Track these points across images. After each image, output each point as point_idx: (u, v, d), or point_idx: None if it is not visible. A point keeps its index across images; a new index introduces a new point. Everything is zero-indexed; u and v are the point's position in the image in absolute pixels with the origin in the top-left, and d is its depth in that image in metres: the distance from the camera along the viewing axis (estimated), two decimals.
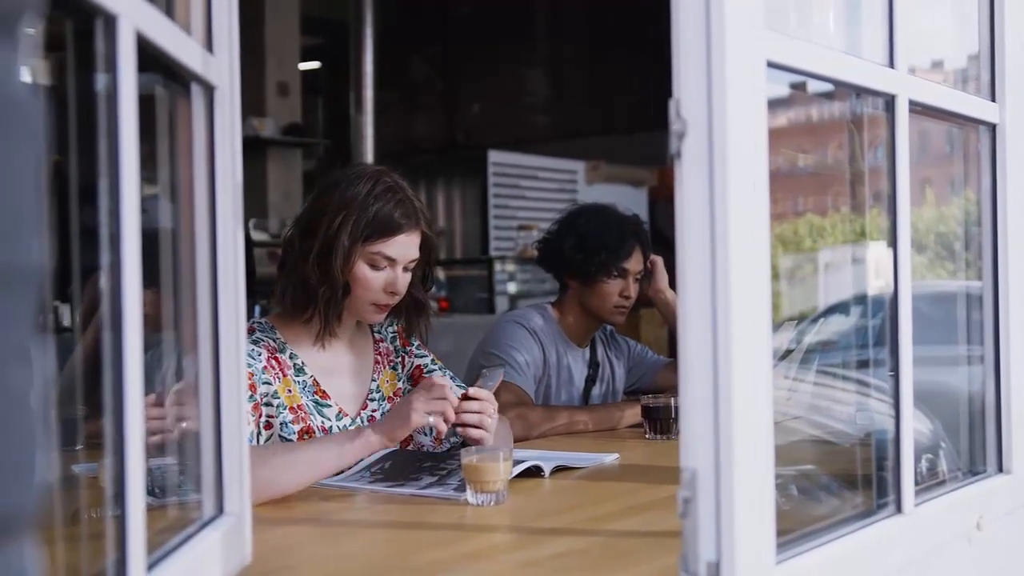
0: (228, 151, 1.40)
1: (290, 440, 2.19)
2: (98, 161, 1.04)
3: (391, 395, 2.41)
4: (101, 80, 1.04)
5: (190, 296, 1.39)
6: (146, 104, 1.11)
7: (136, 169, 1.05)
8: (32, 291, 0.60)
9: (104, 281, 1.03)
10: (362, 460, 2.13)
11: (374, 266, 2.24)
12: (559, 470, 2.21)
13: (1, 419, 0.57)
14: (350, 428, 2.27)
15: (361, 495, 2.01)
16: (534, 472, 2.14)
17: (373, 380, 2.39)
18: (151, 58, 1.14)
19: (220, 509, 1.39)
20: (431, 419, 2.07)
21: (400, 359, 2.47)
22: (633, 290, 3.06)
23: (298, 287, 2.25)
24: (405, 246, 2.26)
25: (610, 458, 2.38)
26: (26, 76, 0.61)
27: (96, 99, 1.05)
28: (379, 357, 2.43)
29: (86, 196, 1.05)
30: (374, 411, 2.36)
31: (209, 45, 1.38)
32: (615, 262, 3.02)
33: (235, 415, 1.41)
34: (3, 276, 0.58)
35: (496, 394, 2.82)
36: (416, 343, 2.51)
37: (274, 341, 2.25)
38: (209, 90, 1.38)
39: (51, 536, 1.11)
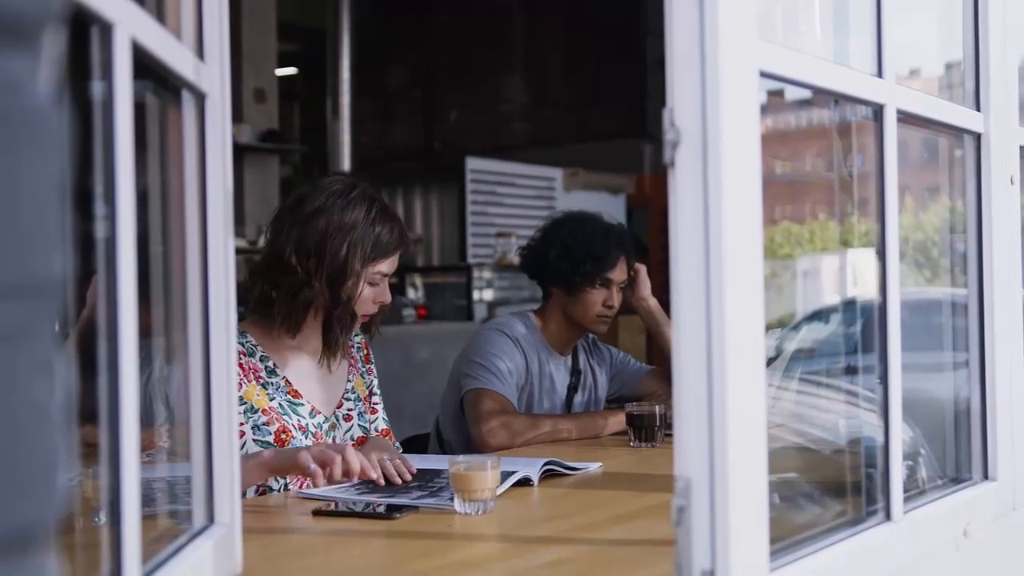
0: (219, 159, 1.40)
1: (267, 442, 2.23)
2: (92, 167, 1.04)
3: (364, 396, 2.50)
4: (96, 87, 1.03)
5: (179, 304, 1.38)
6: (136, 111, 1.10)
7: (131, 176, 1.04)
8: (54, 303, 0.59)
9: (99, 288, 1.02)
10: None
11: (372, 284, 2.34)
12: (548, 476, 2.21)
13: (25, 432, 0.56)
14: (324, 426, 2.35)
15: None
16: (522, 481, 2.14)
17: (348, 380, 2.47)
18: (142, 65, 1.14)
19: (211, 519, 1.38)
20: (313, 465, 1.94)
21: (367, 368, 2.56)
22: (616, 300, 3.06)
23: (302, 309, 2.30)
24: (396, 261, 2.38)
25: (594, 467, 2.38)
26: (48, 87, 0.60)
27: (90, 106, 1.04)
28: (352, 360, 2.51)
29: (80, 203, 1.05)
30: (350, 410, 2.44)
31: (200, 53, 1.37)
32: (600, 272, 3.02)
33: (225, 424, 1.40)
34: (26, 287, 0.57)
35: (479, 402, 2.84)
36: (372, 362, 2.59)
37: (243, 345, 2.27)
38: (200, 98, 1.37)
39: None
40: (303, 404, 2.33)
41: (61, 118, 0.61)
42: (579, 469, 2.32)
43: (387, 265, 2.35)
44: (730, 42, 1.19)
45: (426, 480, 2.16)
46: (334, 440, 2.37)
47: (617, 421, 2.86)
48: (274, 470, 2.05)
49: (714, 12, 1.18)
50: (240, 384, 2.22)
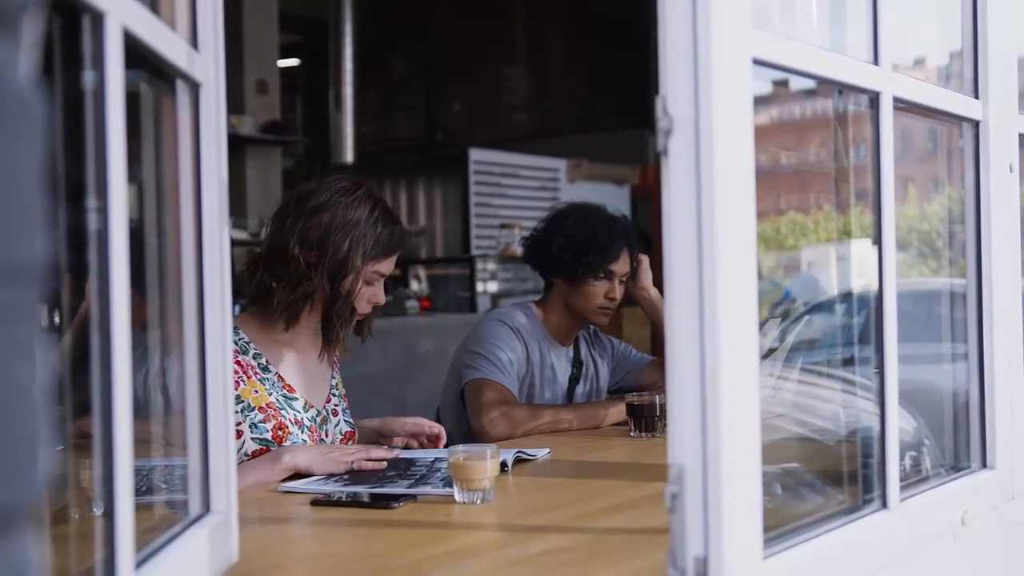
0: (214, 149, 1.40)
1: (264, 439, 2.27)
2: (84, 158, 1.04)
3: (343, 394, 2.55)
4: (88, 77, 1.03)
5: (175, 295, 1.38)
6: (129, 101, 1.10)
7: (124, 166, 1.05)
8: (35, 287, 0.60)
9: (92, 280, 1.03)
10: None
11: (368, 283, 2.37)
12: (518, 462, 2.27)
13: (6, 414, 0.57)
14: (316, 419, 2.39)
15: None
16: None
17: (333, 378, 2.52)
18: (136, 54, 1.14)
19: (207, 507, 1.39)
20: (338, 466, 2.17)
21: (338, 369, 2.59)
22: (618, 292, 3.05)
23: (301, 302, 2.32)
24: (393, 263, 2.42)
25: (542, 452, 2.41)
26: (27, 73, 0.60)
27: (82, 96, 1.04)
28: (335, 358, 2.55)
29: (72, 194, 1.05)
30: (336, 405, 2.49)
31: (194, 42, 1.37)
32: (602, 264, 3.02)
33: (221, 414, 1.40)
34: (8, 271, 0.58)
35: (480, 392, 2.85)
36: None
37: (236, 344, 2.29)
38: (194, 87, 1.37)
39: (38, 534, 1.10)
40: (297, 399, 2.37)
41: (41, 104, 0.61)
42: (535, 456, 2.37)
43: (385, 265, 2.38)
44: (723, 29, 1.19)
45: (404, 469, 2.17)
46: (326, 434, 2.40)
47: (617, 411, 2.86)
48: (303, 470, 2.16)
49: None
50: (238, 383, 2.25)
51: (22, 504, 0.59)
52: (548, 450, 2.44)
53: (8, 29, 0.57)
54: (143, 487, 1.40)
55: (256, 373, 2.31)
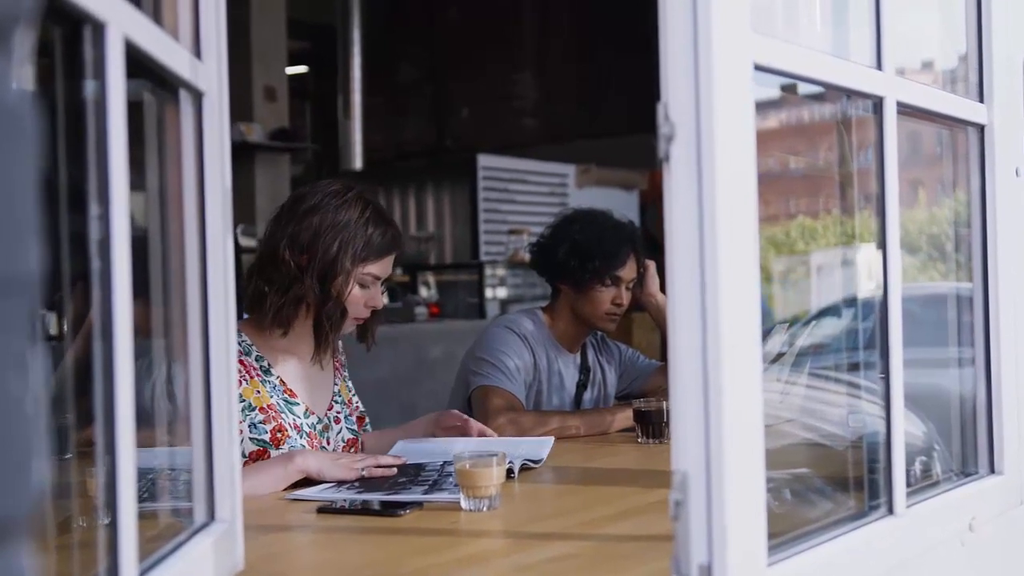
0: (217, 157, 1.40)
1: (262, 440, 2.27)
2: (86, 167, 1.04)
3: (348, 400, 2.53)
4: (89, 87, 1.04)
5: (179, 304, 1.39)
6: (133, 110, 1.10)
7: (125, 176, 1.05)
8: (28, 298, 0.60)
9: (94, 289, 1.03)
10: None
11: (363, 285, 2.36)
12: (524, 469, 2.26)
13: None
14: (317, 427, 2.39)
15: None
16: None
17: (335, 384, 2.51)
18: (138, 64, 1.14)
19: (212, 516, 1.39)
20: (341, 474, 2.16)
21: (346, 374, 2.59)
22: (625, 298, 3.05)
23: (293, 305, 2.31)
24: (389, 265, 2.40)
25: (546, 448, 2.40)
26: (20, 83, 0.60)
27: (84, 105, 1.05)
28: (337, 365, 2.54)
29: (74, 203, 1.05)
30: (338, 413, 2.48)
31: (197, 51, 1.38)
32: (609, 270, 3.01)
33: (226, 422, 1.40)
34: (2, 282, 0.58)
35: (487, 399, 2.85)
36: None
37: (239, 345, 2.29)
38: (197, 96, 1.37)
39: (43, 543, 1.10)
40: (298, 404, 2.37)
41: (35, 116, 0.61)
42: (540, 460, 2.34)
43: (378, 268, 2.36)
44: (723, 35, 1.19)
45: (414, 475, 2.17)
46: (327, 441, 2.40)
47: (624, 417, 2.85)
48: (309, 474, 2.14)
49: (707, 4, 1.17)
50: (240, 382, 2.25)
51: (16, 515, 0.59)
52: (552, 439, 2.44)
53: (0, 41, 0.57)
54: (147, 494, 1.41)
55: (258, 374, 2.32)
